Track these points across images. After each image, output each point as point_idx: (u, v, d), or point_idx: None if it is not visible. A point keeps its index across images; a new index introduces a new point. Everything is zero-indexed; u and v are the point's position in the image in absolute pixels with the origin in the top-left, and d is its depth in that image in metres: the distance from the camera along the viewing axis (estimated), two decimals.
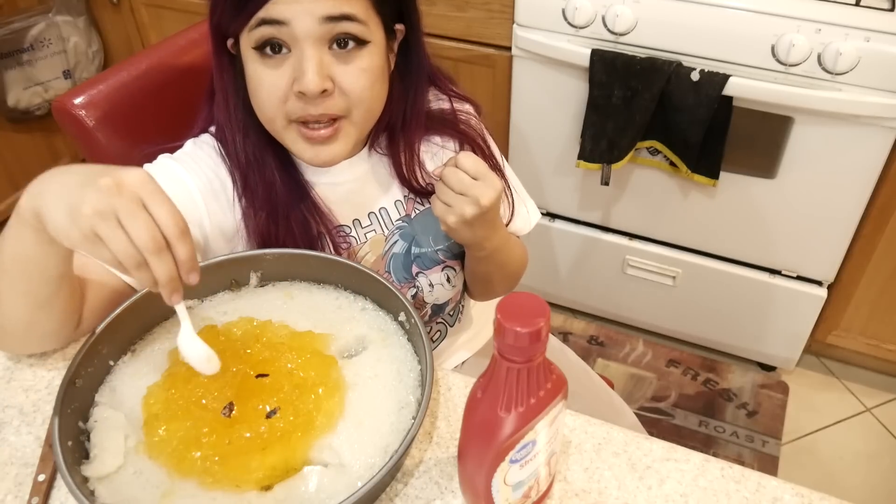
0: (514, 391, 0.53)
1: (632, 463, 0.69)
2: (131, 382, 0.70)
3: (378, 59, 0.79)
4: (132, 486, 0.61)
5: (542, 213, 1.80)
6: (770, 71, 1.37)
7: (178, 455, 0.62)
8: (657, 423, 1.72)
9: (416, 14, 0.84)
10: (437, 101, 0.94)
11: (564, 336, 1.94)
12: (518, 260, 0.98)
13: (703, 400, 1.78)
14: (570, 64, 1.49)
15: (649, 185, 1.62)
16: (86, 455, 0.64)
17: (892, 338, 1.68)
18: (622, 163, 1.52)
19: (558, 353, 1.14)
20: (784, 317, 1.70)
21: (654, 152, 1.54)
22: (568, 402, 0.59)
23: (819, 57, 1.32)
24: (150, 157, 0.84)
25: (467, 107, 0.96)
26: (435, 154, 0.93)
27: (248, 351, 0.70)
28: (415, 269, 0.93)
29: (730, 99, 1.39)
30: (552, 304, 1.96)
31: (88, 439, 0.65)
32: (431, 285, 0.94)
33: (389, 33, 0.81)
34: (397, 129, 0.88)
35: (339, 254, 0.87)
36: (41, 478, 0.66)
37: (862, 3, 1.32)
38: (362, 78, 0.77)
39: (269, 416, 0.64)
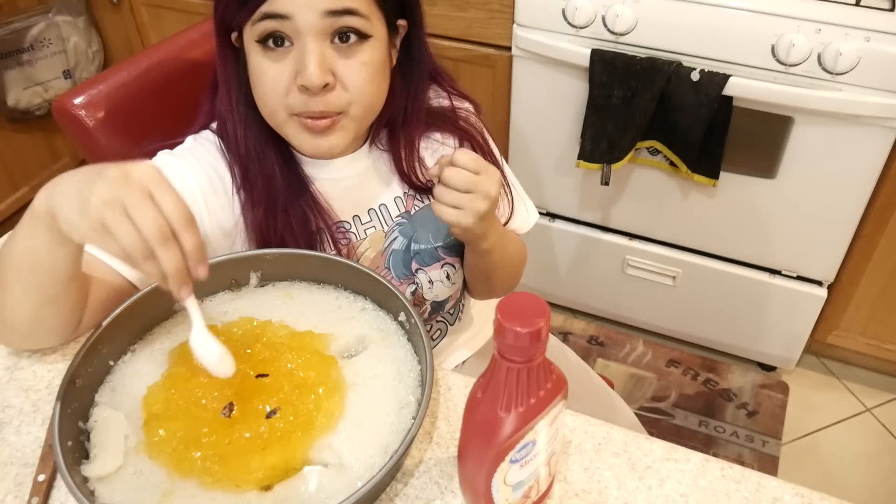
0: (514, 391, 0.53)
1: (632, 463, 0.69)
2: (131, 382, 0.70)
3: (379, 54, 0.79)
4: (132, 486, 0.61)
5: (542, 213, 1.80)
6: (770, 71, 1.37)
7: (178, 455, 0.62)
8: (657, 423, 1.72)
9: (419, 10, 0.84)
10: (437, 99, 0.94)
11: (564, 336, 1.94)
12: (518, 254, 0.98)
13: (703, 400, 1.78)
14: (570, 64, 1.49)
15: (649, 185, 1.62)
16: (86, 455, 0.64)
17: (892, 338, 1.68)
18: (622, 163, 1.52)
19: (558, 353, 1.14)
20: (784, 317, 1.70)
21: (654, 152, 1.54)
22: (568, 402, 0.59)
23: (819, 57, 1.32)
24: (151, 155, 0.84)
25: (467, 105, 0.96)
26: (435, 151, 0.93)
27: (248, 351, 0.70)
28: (414, 266, 0.93)
29: (730, 99, 1.39)
30: (552, 304, 1.96)
31: (88, 439, 0.65)
32: (431, 282, 0.94)
33: (391, 28, 0.81)
34: (398, 125, 0.88)
35: (338, 249, 0.87)
36: (41, 478, 0.66)
37: (862, 3, 1.32)
38: (363, 72, 0.77)
39: (269, 416, 0.64)
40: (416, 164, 0.91)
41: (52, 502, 0.65)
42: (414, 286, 0.93)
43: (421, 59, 0.87)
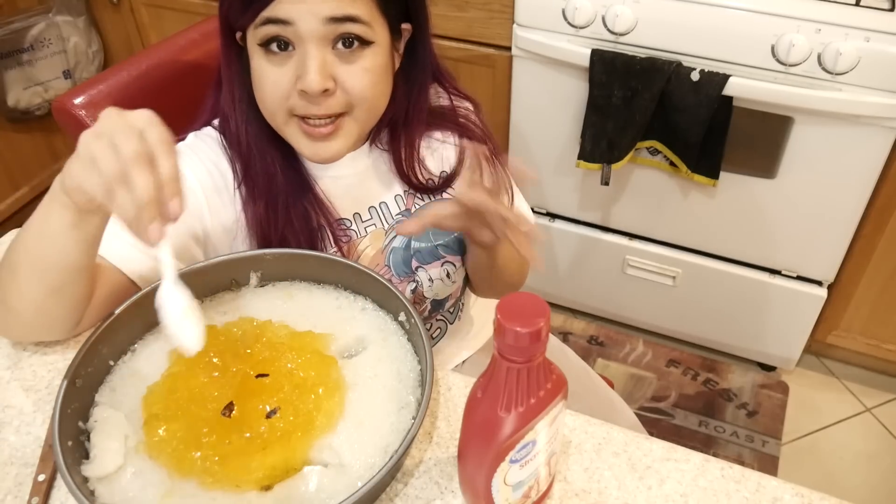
0: (514, 391, 0.53)
1: (632, 463, 0.69)
2: (131, 382, 0.70)
3: (382, 59, 0.79)
4: (132, 486, 0.61)
5: (543, 213, 1.81)
6: (770, 71, 1.37)
7: (178, 455, 0.62)
8: (657, 423, 1.72)
9: (424, 13, 0.84)
10: (437, 98, 0.94)
11: (564, 336, 1.94)
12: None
13: (703, 400, 1.78)
14: (570, 64, 1.49)
15: (649, 185, 1.62)
16: (86, 455, 0.64)
17: (892, 338, 1.68)
18: (622, 163, 1.52)
19: (558, 353, 1.14)
20: (784, 317, 1.70)
21: (654, 152, 1.54)
22: (568, 402, 0.59)
23: (819, 57, 1.32)
24: None
25: (466, 104, 0.96)
26: (435, 150, 0.93)
27: (248, 351, 0.70)
28: (414, 264, 0.93)
29: (730, 99, 1.39)
30: (552, 304, 1.96)
31: (88, 439, 0.65)
32: (431, 280, 0.94)
33: (395, 33, 0.81)
34: (399, 126, 0.89)
35: (339, 247, 0.87)
36: (41, 478, 0.66)
37: (862, 3, 1.32)
38: (365, 77, 0.77)
39: (269, 416, 0.64)
40: (416, 164, 0.91)
41: (52, 502, 0.65)
42: (414, 284, 0.93)
43: (425, 61, 0.87)
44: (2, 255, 0.72)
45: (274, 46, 0.76)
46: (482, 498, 0.59)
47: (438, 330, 1.01)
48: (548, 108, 1.61)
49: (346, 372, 0.69)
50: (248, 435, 0.63)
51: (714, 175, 1.49)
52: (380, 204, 0.91)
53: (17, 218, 2.15)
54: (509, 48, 1.58)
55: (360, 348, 0.73)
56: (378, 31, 0.77)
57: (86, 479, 0.61)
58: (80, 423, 0.66)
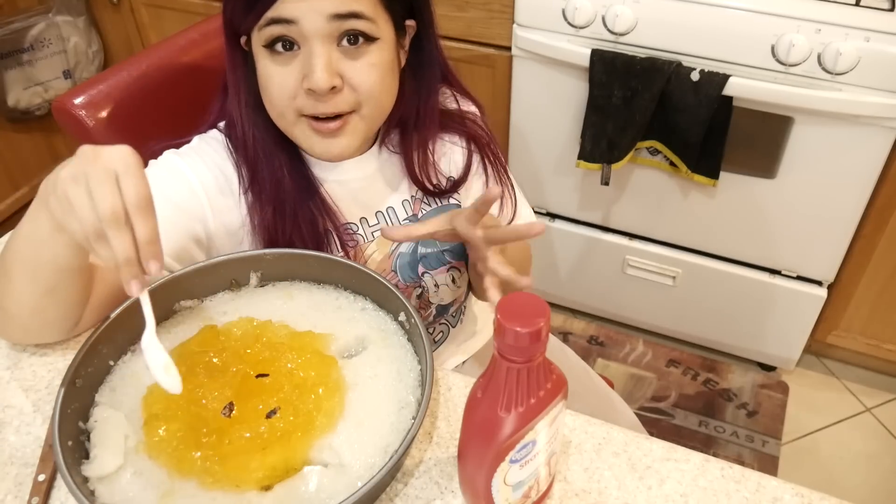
0: (514, 391, 0.53)
1: (632, 463, 0.69)
2: (131, 382, 0.70)
3: (387, 55, 0.79)
4: (132, 486, 0.61)
5: (543, 213, 1.81)
6: (770, 71, 1.37)
7: (178, 455, 0.62)
8: (657, 423, 1.72)
9: (428, 10, 0.84)
10: (443, 100, 0.94)
11: (564, 336, 1.94)
12: (524, 257, 0.98)
13: (703, 400, 1.78)
14: (570, 64, 1.49)
15: (649, 185, 1.62)
16: (86, 455, 0.64)
17: (892, 338, 1.68)
18: (622, 163, 1.52)
19: (558, 353, 1.14)
20: (784, 317, 1.70)
21: (654, 152, 1.54)
22: (568, 402, 0.59)
23: (819, 57, 1.32)
24: (156, 154, 0.85)
25: (473, 108, 0.96)
26: (445, 153, 0.93)
27: (248, 351, 0.70)
28: (421, 269, 0.93)
29: (730, 99, 1.39)
30: (552, 304, 1.96)
31: (88, 439, 0.65)
32: (437, 286, 0.94)
33: (399, 29, 0.81)
34: (410, 127, 0.88)
35: (346, 252, 0.87)
36: (41, 478, 0.66)
37: (862, 3, 1.33)
38: (372, 73, 0.77)
39: (269, 416, 0.64)
40: (430, 167, 0.90)
41: (52, 502, 0.65)
42: (420, 290, 0.93)
43: (432, 59, 0.87)
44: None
45: (279, 47, 0.76)
46: (482, 498, 0.59)
47: (441, 334, 1.01)
48: (548, 108, 1.61)
49: (346, 372, 0.69)
50: (248, 435, 0.63)
51: (714, 175, 1.49)
52: (387, 209, 0.90)
53: (16, 218, 2.14)
54: (509, 48, 1.58)
55: (360, 348, 0.73)
56: (382, 27, 0.77)
57: (86, 479, 0.61)
58: (80, 423, 0.66)
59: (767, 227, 1.58)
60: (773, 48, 1.34)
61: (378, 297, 0.77)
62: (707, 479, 0.67)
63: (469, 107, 0.96)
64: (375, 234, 0.90)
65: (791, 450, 1.68)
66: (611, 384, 1.18)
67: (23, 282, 0.69)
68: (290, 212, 0.83)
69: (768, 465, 1.63)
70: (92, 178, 0.57)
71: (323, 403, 0.65)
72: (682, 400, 1.77)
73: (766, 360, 1.83)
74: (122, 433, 0.65)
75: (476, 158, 0.95)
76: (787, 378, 1.83)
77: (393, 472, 0.64)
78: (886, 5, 1.32)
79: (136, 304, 0.72)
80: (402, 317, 0.74)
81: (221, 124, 0.87)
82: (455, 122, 0.93)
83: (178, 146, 0.85)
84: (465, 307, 1.03)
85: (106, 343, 0.70)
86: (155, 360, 0.61)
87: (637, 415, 1.15)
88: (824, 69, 1.32)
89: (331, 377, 0.68)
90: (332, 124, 0.78)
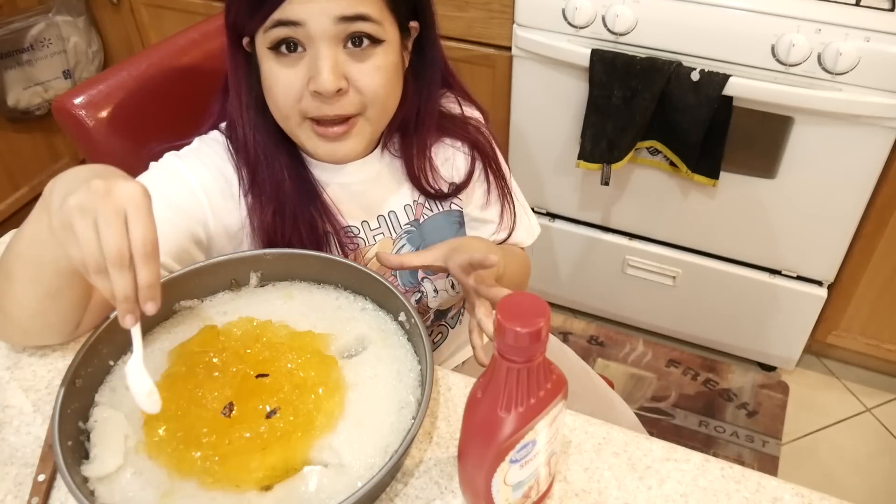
0: (514, 391, 0.53)
1: (632, 463, 0.69)
2: None
3: (393, 57, 0.79)
4: (132, 486, 0.61)
5: (543, 213, 1.81)
6: (770, 71, 1.37)
7: (178, 455, 0.62)
8: (657, 423, 1.72)
9: (431, 11, 0.84)
10: (447, 104, 0.94)
11: (564, 336, 1.94)
12: (522, 271, 0.99)
13: (703, 400, 1.78)
14: (570, 64, 1.49)
15: (649, 185, 1.62)
16: (86, 455, 0.64)
17: (892, 338, 1.68)
18: (622, 163, 1.52)
19: (558, 353, 1.14)
20: (784, 317, 1.70)
21: (655, 152, 1.54)
22: (568, 402, 0.59)
23: (819, 57, 1.32)
24: (157, 156, 0.84)
25: (476, 115, 0.96)
26: (447, 158, 0.93)
27: (248, 351, 0.69)
28: (420, 275, 0.93)
29: (730, 99, 1.39)
30: (552, 304, 1.96)
31: (88, 439, 0.65)
32: (436, 291, 0.94)
33: (404, 31, 0.81)
34: (410, 129, 0.88)
35: (345, 254, 0.87)
36: (41, 478, 0.66)
37: (862, 3, 1.33)
38: (377, 76, 0.77)
39: (269, 416, 0.64)
40: (429, 170, 0.90)
41: (52, 502, 0.65)
42: (419, 294, 0.93)
43: (433, 60, 0.86)
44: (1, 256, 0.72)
45: (284, 48, 0.75)
46: (482, 498, 0.59)
47: (440, 335, 1.01)
48: (548, 108, 1.61)
49: (346, 372, 0.69)
50: (248, 435, 0.63)
51: (714, 175, 1.49)
52: (388, 213, 0.90)
53: (17, 218, 2.15)
54: (509, 48, 1.58)
55: (360, 348, 0.73)
56: (388, 29, 0.77)
57: (86, 479, 0.61)
58: (80, 423, 0.66)
59: (767, 227, 1.58)
60: (773, 48, 1.34)
61: (378, 297, 0.77)
62: (707, 479, 0.67)
63: (473, 112, 0.96)
64: (377, 238, 0.90)
65: (791, 450, 1.68)
66: (611, 384, 1.18)
67: (25, 285, 0.69)
68: (289, 214, 0.83)
69: (768, 465, 1.63)
70: (101, 216, 0.56)
71: (323, 403, 0.65)
72: (682, 400, 1.77)
73: (766, 360, 1.83)
74: (122, 433, 0.65)
75: (479, 165, 0.94)
76: (787, 378, 1.83)
77: (393, 472, 0.64)
78: (886, 5, 1.32)
79: None
80: (402, 317, 0.74)
81: (222, 126, 0.87)
82: (458, 127, 0.92)
83: (178, 148, 0.85)
84: (463, 311, 1.03)
85: (106, 343, 0.70)
86: (139, 386, 0.62)
87: (637, 415, 1.15)
88: (824, 69, 1.32)
89: (331, 377, 0.68)
90: (338, 129, 0.78)
